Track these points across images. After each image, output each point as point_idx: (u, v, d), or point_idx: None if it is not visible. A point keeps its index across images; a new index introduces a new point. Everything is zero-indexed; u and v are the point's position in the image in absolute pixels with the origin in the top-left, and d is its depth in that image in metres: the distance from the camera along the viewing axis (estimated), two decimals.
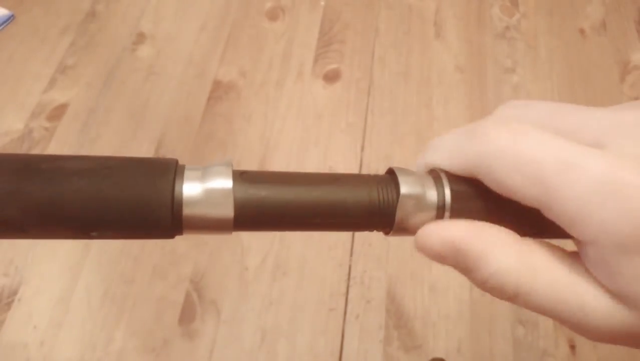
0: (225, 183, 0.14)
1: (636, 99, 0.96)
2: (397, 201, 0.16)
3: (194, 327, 0.69)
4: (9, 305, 0.69)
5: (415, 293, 0.74)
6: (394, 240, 0.77)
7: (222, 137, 0.85)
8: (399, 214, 0.16)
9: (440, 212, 0.16)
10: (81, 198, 0.13)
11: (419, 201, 0.16)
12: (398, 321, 0.72)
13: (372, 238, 0.78)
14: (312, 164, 0.84)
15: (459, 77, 0.96)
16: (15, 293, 0.70)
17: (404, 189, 0.16)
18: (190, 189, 0.14)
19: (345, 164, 0.84)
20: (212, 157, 0.84)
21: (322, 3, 1.02)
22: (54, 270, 0.72)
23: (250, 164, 0.83)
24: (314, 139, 0.86)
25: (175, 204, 0.14)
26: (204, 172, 0.15)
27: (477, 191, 0.16)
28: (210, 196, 0.14)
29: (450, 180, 0.16)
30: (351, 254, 0.76)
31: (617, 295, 0.14)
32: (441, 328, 0.72)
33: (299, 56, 0.95)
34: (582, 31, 1.04)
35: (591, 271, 0.14)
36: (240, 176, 0.15)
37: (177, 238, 0.16)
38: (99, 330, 0.68)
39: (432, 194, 0.16)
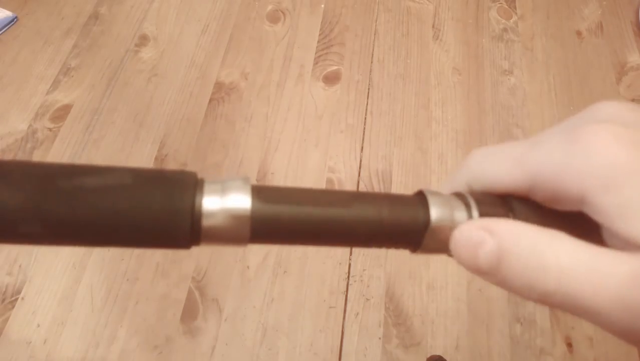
0: (243, 198, 0.15)
1: (633, 100, 0.97)
2: (428, 222, 0.16)
3: (196, 325, 0.70)
4: (12, 303, 0.70)
5: (414, 291, 0.75)
6: None
7: (223, 138, 0.86)
8: (427, 236, 0.16)
9: None
10: (102, 216, 0.14)
11: (448, 223, 0.16)
12: (397, 319, 0.72)
13: None
14: (312, 165, 0.85)
15: (456, 78, 0.97)
16: (19, 291, 0.71)
17: (433, 211, 0.16)
18: (210, 203, 0.15)
19: (344, 165, 0.85)
20: (214, 157, 0.84)
21: (322, 6, 1.03)
22: (58, 269, 0.73)
23: (252, 165, 0.84)
24: (314, 140, 0.87)
25: (194, 217, 0.15)
26: (223, 187, 0.15)
27: (503, 208, 0.16)
28: (228, 210, 0.15)
29: (476, 199, 0.17)
30: (351, 253, 0.77)
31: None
32: (439, 326, 0.73)
33: (300, 58, 0.96)
34: (579, 33, 1.05)
35: (615, 236, 0.14)
36: (257, 192, 0.15)
37: None
38: (102, 327, 0.69)
39: (460, 215, 0.16)
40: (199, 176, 0.16)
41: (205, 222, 0.15)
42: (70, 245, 0.14)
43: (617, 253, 0.14)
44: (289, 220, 0.16)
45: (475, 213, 0.16)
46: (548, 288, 0.14)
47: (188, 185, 0.15)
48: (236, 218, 0.15)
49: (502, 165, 0.16)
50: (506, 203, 0.16)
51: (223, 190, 0.15)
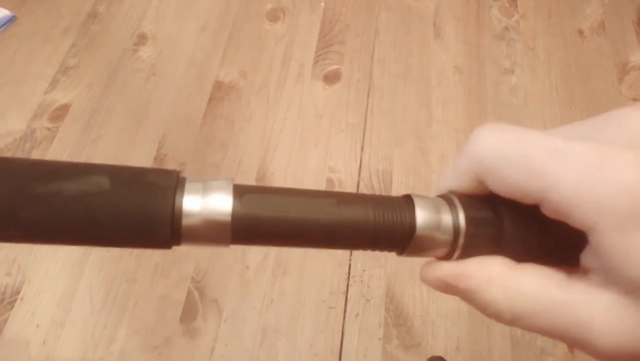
0: (224, 198, 0.15)
1: (634, 99, 0.97)
2: (414, 227, 0.16)
3: (195, 325, 0.70)
4: (11, 303, 0.70)
5: (414, 291, 0.75)
6: None
7: (223, 137, 0.86)
8: (415, 239, 0.16)
9: (455, 235, 0.16)
10: (80, 222, 0.14)
11: (435, 226, 0.16)
12: (397, 320, 0.72)
13: None
14: (312, 165, 0.84)
15: (457, 77, 0.96)
16: (18, 292, 0.70)
17: (419, 215, 0.16)
18: (190, 203, 0.14)
19: (344, 164, 0.85)
20: (214, 157, 0.84)
21: (322, 4, 1.03)
22: (57, 269, 0.72)
23: (251, 165, 0.83)
24: (314, 140, 0.87)
25: (174, 216, 0.14)
26: (205, 187, 0.15)
27: (490, 213, 0.16)
28: (208, 211, 0.14)
29: (464, 204, 0.16)
30: (351, 253, 0.77)
31: (629, 286, 0.13)
32: (440, 327, 0.72)
33: (299, 57, 0.96)
34: (580, 32, 1.05)
35: (599, 265, 0.14)
36: (240, 192, 0.15)
37: None
38: (101, 328, 0.69)
39: (447, 219, 0.16)
40: (184, 174, 0.15)
41: (185, 222, 0.14)
42: (49, 245, 0.14)
43: (578, 294, 0.14)
44: (271, 222, 0.15)
45: (461, 217, 0.16)
46: (505, 322, 0.16)
47: (168, 185, 0.15)
48: (216, 219, 0.15)
49: (519, 174, 0.15)
50: (494, 209, 0.16)
51: (204, 190, 0.15)
